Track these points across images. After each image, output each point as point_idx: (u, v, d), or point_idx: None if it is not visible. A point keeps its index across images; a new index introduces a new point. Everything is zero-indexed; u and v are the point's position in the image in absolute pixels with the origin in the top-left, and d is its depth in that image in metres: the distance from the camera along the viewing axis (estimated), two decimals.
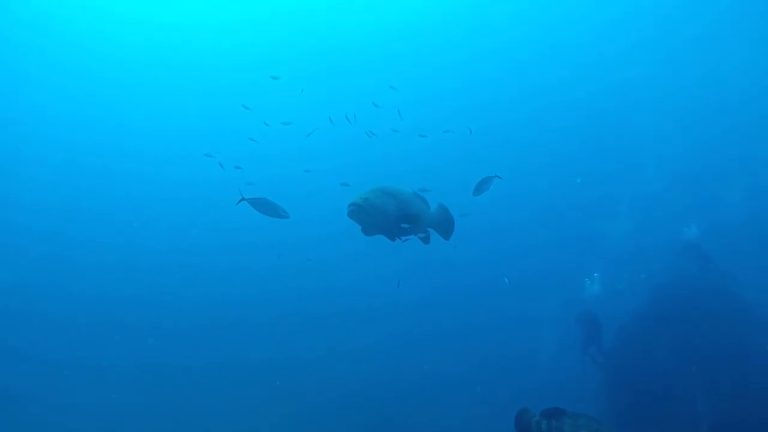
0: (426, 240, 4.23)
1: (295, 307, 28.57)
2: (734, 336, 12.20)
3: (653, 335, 13.50)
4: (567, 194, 36.27)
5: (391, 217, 3.47)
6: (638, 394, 12.15)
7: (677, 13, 33.99)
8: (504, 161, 33.81)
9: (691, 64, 35.93)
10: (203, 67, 38.16)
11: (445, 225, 4.23)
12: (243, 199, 4.28)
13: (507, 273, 20.36)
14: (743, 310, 13.55)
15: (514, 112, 39.69)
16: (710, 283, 14.63)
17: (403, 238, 3.93)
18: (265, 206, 4.45)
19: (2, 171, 35.01)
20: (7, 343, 22.99)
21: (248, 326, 26.91)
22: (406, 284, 26.35)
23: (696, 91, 36.19)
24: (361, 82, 35.22)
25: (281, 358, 22.42)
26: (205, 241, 34.99)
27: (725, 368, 11.28)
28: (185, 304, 29.26)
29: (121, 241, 33.95)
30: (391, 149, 33.09)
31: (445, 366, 20.93)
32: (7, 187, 34.40)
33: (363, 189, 3.61)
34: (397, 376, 20.40)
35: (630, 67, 37.04)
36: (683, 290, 14.65)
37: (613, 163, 35.99)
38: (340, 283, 31.37)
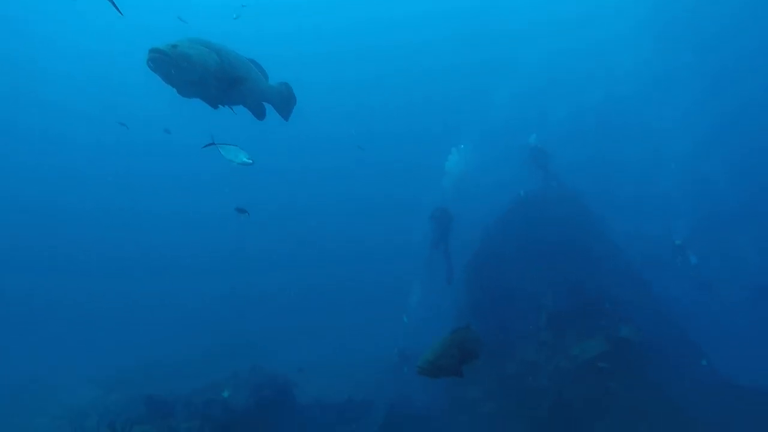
0: (260, 115, 3.48)
1: None
2: (576, 240, 13.56)
3: (509, 238, 14.50)
4: None
5: (210, 75, 2.64)
6: (491, 291, 13.18)
7: None
8: None
9: None
10: None
11: (285, 102, 3.47)
12: (211, 144, 4.07)
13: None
14: (584, 214, 15.10)
15: None
16: (556, 192, 16.03)
17: (231, 106, 3.13)
18: (230, 152, 4.54)
19: None
20: None
21: None
22: None
23: None
24: None
25: None
26: None
27: (567, 268, 12.52)
28: None
29: None
30: None
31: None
32: None
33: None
34: None
35: None
36: (534, 198, 15.83)
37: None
38: None
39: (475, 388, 11.36)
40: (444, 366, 3.37)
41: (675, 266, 16.09)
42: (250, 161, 4.59)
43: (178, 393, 9.16)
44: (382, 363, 15.53)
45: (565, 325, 10.82)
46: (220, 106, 3.23)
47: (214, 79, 2.70)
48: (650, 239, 18.81)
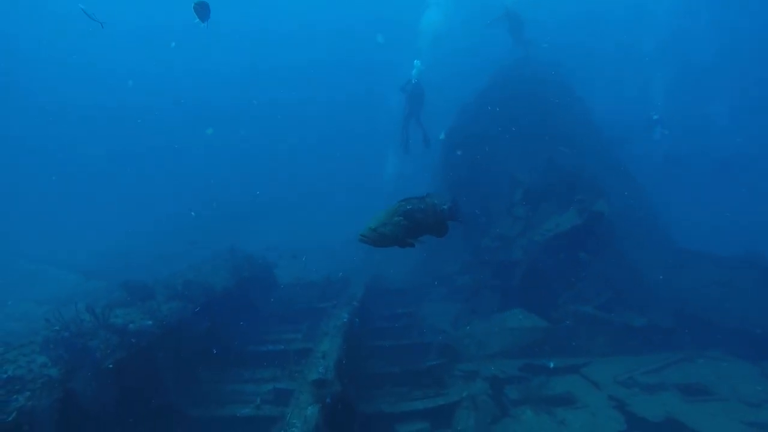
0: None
1: None
2: (554, 117, 13.21)
3: (486, 114, 14.05)
4: None
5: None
6: (468, 167, 13.10)
7: None
8: None
9: None
10: None
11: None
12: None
13: None
14: (562, 90, 14.59)
15: None
16: (531, 62, 15.29)
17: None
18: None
19: None
20: None
21: None
22: None
23: None
24: None
25: None
26: None
27: (543, 144, 12.35)
28: None
29: None
30: None
31: None
32: None
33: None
34: None
35: None
36: (513, 74, 15.10)
37: None
38: None
39: (451, 263, 11.81)
40: (388, 234, 3.23)
41: (650, 140, 16.15)
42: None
43: (158, 277, 9.21)
44: (361, 245, 15.96)
45: (540, 199, 10.98)
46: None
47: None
48: (627, 111, 18.66)
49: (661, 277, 9.74)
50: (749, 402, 6.75)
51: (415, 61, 15.30)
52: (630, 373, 7.57)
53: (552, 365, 7.83)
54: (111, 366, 4.99)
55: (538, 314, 8.95)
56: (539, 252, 9.55)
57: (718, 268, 10.20)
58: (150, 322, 6.31)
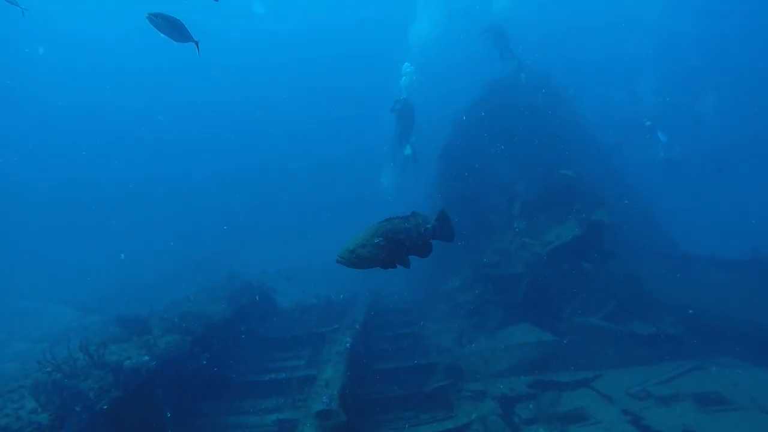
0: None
1: None
2: (547, 127, 13.22)
3: (480, 127, 14.06)
4: None
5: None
6: (465, 181, 13.02)
7: None
8: None
9: None
10: None
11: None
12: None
13: None
14: (554, 100, 14.64)
15: None
16: (522, 74, 15.36)
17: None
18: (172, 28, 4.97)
19: None
20: None
21: None
22: None
23: None
24: None
25: None
26: None
27: (538, 155, 12.32)
28: None
29: None
30: None
31: None
32: None
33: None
34: None
35: None
36: (507, 85, 15.16)
37: None
38: None
39: (453, 280, 11.64)
40: (366, 256, 3.09)
41: (645, 146, 16.19)
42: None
43: (154, 309, 9.02)
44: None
45: (539, 211, 10.89)
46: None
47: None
48: (620, 118, 18.76)
49: (665, 283, 9.59)
50: None
51: (405, 65, 15.30)
52: (642, 384, 7.37)
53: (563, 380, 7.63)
54: (106, 407, 4.78)
55: (543, 328, 8.77)
56: (541, 265, 9.41)
57: (722, 270, 10.07)
58: (147, 358, 6.12)
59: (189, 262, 19.54)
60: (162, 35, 5.12)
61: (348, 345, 7.57)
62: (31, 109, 40.81)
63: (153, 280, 18.70)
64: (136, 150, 40.81)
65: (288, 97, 45.38)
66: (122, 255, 20.01)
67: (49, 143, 39.77)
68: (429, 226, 3.33)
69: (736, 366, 7.81)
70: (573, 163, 11.94)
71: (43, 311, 16.93)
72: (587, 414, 6.80)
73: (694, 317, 8.89)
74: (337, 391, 5.50)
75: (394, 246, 3.22)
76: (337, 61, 45.68)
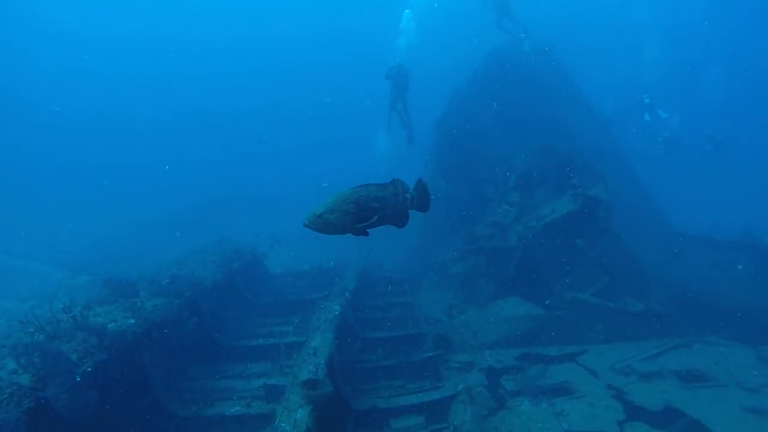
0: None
1: None
2: (547, 100, 12.93)
3: (479, 99, 13.75)
4: None
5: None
6: (461, 153, 12.82)
7: None
8: None
9: None
10: None
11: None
12: None
13: None
14: (555, 72, 14.28)
15: None
16: (524, 45, 14.92)
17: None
18: None
19: None
20: None
21: None
22: None
23: None
24: None
25: None
26: None
27: (537, 128, 12.09)
28: None
29: None
30: None
31: None
32: None
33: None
34: None
35: None
36: (508, 55, 14.73)
37: None
38: None
39: (445, 251, 11.60)
40: (334, 222, 2.96)
41: (643, 122, 15.93)
42: None
43: (144, 272, 8.91)
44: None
45: (534, 185, 10.76)
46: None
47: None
48: (620, 95, 18.42)
49: (658, 262, 9.60)
50: (747, 387, 6.66)
51: (406, 12, 14.79)
52: (627, 360, 7.45)
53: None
54: (89, 369, 4.73)
55: (533, 302, 8.79)
56: (535, 239, 9.35)
57: (715, 251, 10.08)
58: (132, 321, 6.05)
59: (182, 226, 19.38)
60: None
61: (337, 313, 7.54)
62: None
63: (145, 244, 18.58)
64: (135, 121, 40.57)
65: (287, 66, 44.81)
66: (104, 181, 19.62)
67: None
68: (408, 195, 3.18)
69: (720, 344, 7.91)
70: (572, 137, 11.74)
71: (32, 270, 16.84)
72: (572, 388, 6.88)
73: (682, 295, 8.95)
74: (324, 360, 5.48)
75: (367, 214, 3.07)
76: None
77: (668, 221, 12.61)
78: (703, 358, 7.42)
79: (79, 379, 4.46)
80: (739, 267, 9.38)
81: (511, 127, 12.88)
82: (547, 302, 8.82)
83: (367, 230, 3.11)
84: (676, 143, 14.17)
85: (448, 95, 14.40)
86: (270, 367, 7.33)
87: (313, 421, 4.25)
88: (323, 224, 2.92)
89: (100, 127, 41.00)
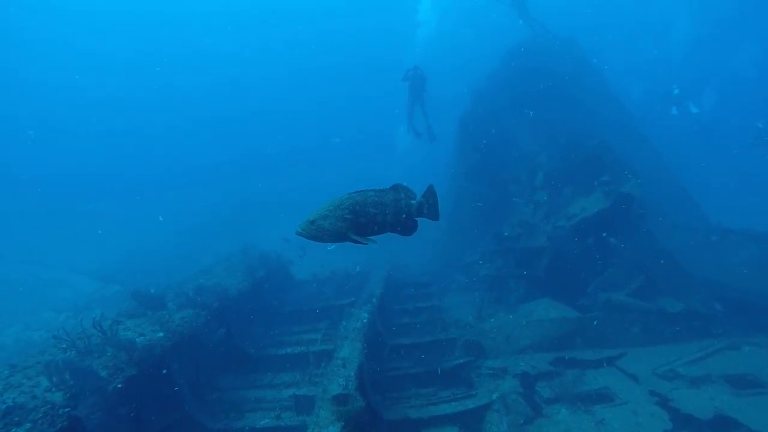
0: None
1: None
2: (571, 93, 12.54)
3: (500, 95, 13.46)
4: None
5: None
6: (485, 151, 12.54)
7: None
8: None
9: None
10: None
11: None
12: None
13: None
14: (578, 64, 13.85)
15: None
16: (544, 38, 14.55)
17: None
18: None
19: None
20: None
21: None
22: None
23: None
24: None
25: None
26: None
27: (563, 123, 11.73)
28: None
29: None
30: None
31: None
32: None
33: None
34: None
35: None
36: (530, 50, 14.39)
37: None
38: None
39: (472, 253, 11.36)
40: (328, 229, 2.81)
41: (674, 116, 15.33)
42: None
43: (171, 282, 8.96)
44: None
45: (562, 182, 10.42)
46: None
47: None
48: (646, 78, 17.77)
49: (697, 258, 9.15)
50: None
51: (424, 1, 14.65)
52: (670, 364, 7.09)
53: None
54: (120, 386, 4.71)
55: (566, 304, 8.48)
56: (565, 238, 9.04)
57: (758, 245, 9.56)
58: (161, 334, 6.04)
59: (207, 234, 19.64)
60: None
61: (365, 321, 7.41)
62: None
63: (174, 252, 18.88)
64: (155, 134, 41.65)
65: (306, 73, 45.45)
66: (161, 218, 20.38)
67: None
68: (413, 202, 3.02)
69: None
70: (599, 132, 11.35)
71: (66, 281, 17.30)
72: (612, 394, 6.57)
73: (726, 294, 8.49)
74: (354, 372, 5.35)
75: (364, 220, 2.91)
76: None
77: (706, 215, 12.06)
78: (755, 361, 6.99)
79: (110, 397, 4.44)
80: None
81: (536, 123, 12.55)
82: (579, 303, 8.51)
83: (370, 237, 2.97)
84: (708, 134, 13.55)
85: (469, 94, 14.15)
86: (299, 376, 7.25)
87: None
88: (316, 231, 2.79)
89: (126, 140, 42.12)
